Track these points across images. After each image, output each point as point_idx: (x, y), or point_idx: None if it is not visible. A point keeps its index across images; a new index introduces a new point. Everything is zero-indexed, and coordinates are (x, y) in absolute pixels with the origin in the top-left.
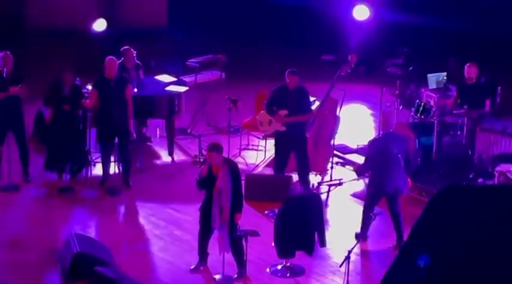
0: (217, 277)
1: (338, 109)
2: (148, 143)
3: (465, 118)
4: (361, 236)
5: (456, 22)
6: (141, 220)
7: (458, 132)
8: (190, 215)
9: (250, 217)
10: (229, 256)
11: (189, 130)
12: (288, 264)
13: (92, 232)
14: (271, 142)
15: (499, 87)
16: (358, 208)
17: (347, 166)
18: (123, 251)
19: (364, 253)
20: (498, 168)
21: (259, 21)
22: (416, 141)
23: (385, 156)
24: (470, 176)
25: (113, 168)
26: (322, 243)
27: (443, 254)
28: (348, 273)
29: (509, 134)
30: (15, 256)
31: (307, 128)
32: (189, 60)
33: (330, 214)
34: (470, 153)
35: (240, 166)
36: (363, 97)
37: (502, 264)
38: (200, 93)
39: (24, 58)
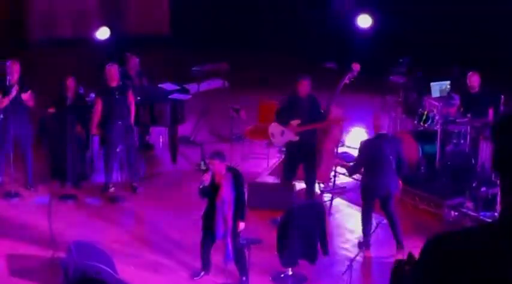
0: None
1: (341, 117)
2: (151, 151)
3: (468, 127)
4: (363, 245)
5: (459, 30)
6: (144, 228)
7: (462, 141)
8: (193, 223)
9: (253, 226)
10: (231, 265)
11: (191, 139)
12: (291, 273)
13: (94, 240)
14: (273, 151)
15: (502, 96)
16: (360, 216)
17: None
18: (125, 259)
19: (366, 262)
20: None
21: (261, 29)
22: (420, 149)
23: (377, 157)
24: (473, 185)
25: (116, 176)
26: (325, 252)
27: None
28: (350, 282)
29: None
30: (17, 264)
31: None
32: (192, 68)
33: (333, 222)
34: (473, 161)
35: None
36: (365, 105)
37: None
38: (203, 101)
39: (27, 67)
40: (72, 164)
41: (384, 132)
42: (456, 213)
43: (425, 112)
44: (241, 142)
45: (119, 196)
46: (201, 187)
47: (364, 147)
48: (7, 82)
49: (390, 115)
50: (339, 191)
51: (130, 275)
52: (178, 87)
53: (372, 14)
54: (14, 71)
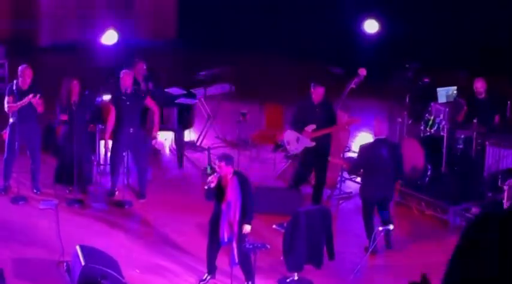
0: None
1: (348, 122)
2: (157, 155)
3: (475, 133)
4: (370, 250)
5: (466, 36)
6: (150, 232)
7: (468, 146)
8: (199, 227)
9: (259, 230)
10: (237, 269)
11: (198, 143)
12: (297, 277)
13: (100, 245)
14: (280, 155)
15: (509, 102)
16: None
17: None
18: (131, 264)
19: (372, 267)
20: (507, 182)
21: (268, 34)
22: (426, 155)
23: (375, 161)
24: (479, 190)
25: (122, 181)
26: (331, 256)
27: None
28: None
29: None
30: (23, 267)
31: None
32: (199, 73)
33: (339, 227)
34: (479, 167)
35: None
36: (372, 110)
37: None
38: (209, 105)
39: (36, 73)
40: (79, 168)
41: (384, 136)
42: (462, 218)
43: (432, 118)
44: (247, 146)
45: (125, 200)
46: (206, 188)
47: (363, 151)
48: (14, 87)
49: (396, 120)
50: (345, 196)
51: (136, 279)
52: (185, 92)
53: (378, 19)
54: (26, 75)
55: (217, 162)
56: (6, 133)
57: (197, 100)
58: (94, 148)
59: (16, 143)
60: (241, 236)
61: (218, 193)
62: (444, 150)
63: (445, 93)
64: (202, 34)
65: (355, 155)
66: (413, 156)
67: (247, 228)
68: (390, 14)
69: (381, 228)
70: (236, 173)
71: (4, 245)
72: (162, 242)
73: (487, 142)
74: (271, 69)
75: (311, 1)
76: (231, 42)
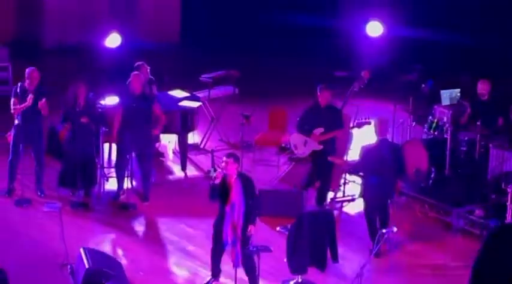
0: None
1: (351, 125)
2: (161, 158)
3: (478, 135)
4: (374, 253)
5: (470, 38)
6: (154, 235)
7: (471, 149)
8: (203, 230)
9: (262, 233)
10: (241, 272)
11: (201, 146)
12: (300, 280)
13: (104, 247)
14: (284, 158)
15: None
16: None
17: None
18: (135, 267)
19: (376, 269)
20: (511, 185)
21: (272, 37)
22: (429, 157)
23: (378, 162)
24: (483, 192)
25: (127, 183)
26: (335, 259)
27: None
28: None
29: None
30: (28, 271)
31: None
32: (202, 76)
33: (343, 229)
34: (483, 169)
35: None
36: (375, 113)
37: None
38: (213, 108)
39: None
40: (83, 171)
41: (385, 137)
42: (466, 221)
43: (435, 120)
44: (251, 149)
45: (130, 203)
46: (211, 184)
47: (365, 151)
48: (18, 89)
49: (400, 123)
50: (349, 198)
51: (140, 282)
52: (188, 95)
53: (382, 22)
54: (33, 77)
55: (225, 158)
56: (10, 135)
57: (200, 103)
58: (98, 151)
59: (20, 145)
60: (245, 239)
61: (222, 194)
62: (448, 153)
63: (449, 95)
64: (205, 37)
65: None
66: (417, 158)
67: (251, 230)
68: (394, 16)
69: (384, 230)
70: (240, 175)
71: (8, 247)
72: (165, 245)
73: (490, 145)
74: (275, 71)
75: (315, 3)
76: (234, 45)
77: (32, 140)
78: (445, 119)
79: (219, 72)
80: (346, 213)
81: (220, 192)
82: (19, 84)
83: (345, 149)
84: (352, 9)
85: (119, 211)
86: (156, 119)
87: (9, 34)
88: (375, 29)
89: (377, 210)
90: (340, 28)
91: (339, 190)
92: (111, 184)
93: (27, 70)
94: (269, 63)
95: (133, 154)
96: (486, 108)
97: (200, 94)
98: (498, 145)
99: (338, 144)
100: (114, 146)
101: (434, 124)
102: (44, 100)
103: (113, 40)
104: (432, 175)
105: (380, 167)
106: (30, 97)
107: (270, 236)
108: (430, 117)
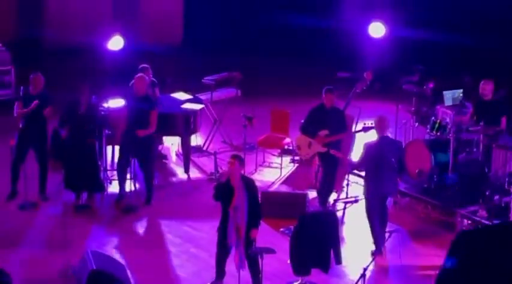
0: None
1: (353, 126)
2: (164, 161)
3: (481, 135)
4: (376, 252)
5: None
6: (157, 238)
7: (474, 149)
8: (206, 232)
9: (265, 235)
10: (244, 274)
11: (204, 148)
12: (304, 282)
13: (108, 250)
14: (286, 160)
15: None
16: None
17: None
18: (139, 269)
19: (379, 270)
20: None
21: (274, 38)
22: (432, 158)
23: (378, 159)
24: (487, 193)
25: (129, 186)
26: (338, 260)
27: None
28: None
29: None
30: (32, 273)
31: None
32: (205, 78)
33: (346, 231)
34: (486, 170)
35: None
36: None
37: None
38: (216, 110)
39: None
40: (86, 174)
41: (387, 135)
42: (469, 222)
43: (438, 121)
44: (254, 151)
45: (133, 206)
46: (216, 183)
47: (367, 148)
48: (21, 92)
49: (403, 124)
50: (352, 199)
51: None
52: (191, 97)
53: (384, 23)
54: (36, 83)
55: (230, 159)
56: (14, 140)
57: (203, 106)
58: (101, 154)
59: (24, 148)
60: (249, 241)
61: (225, 198)
62: (450, 153)
63: (451, 96)
64: (208, 39)
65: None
66: (420, 159)
67: (254, 233)
68: (396, 17)
69: (387, 232)
70: (243, 178)
71: (12, 250)
72: (169, 247)
73: (493, 145)
74: (278, 73)
75: (317, 5)
76: (236, 47)
77: (36, 144)
78: (447, 119)
79: (221, 74)
80: (349, 214)
81: (224, 195)
82: (22, 88)
83: (348, 150)
84: (354, 10)
85: (122, 213)
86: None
87: (11, 36)
88: (377, 30)
89: (377, 207)
90: (343, 29)
91: (342, 191)
92: (114, 187)
93: (31, 75)
94: (271, 64)
95: (136, 157)
96: (489, 108)
97: (203, 97)
98: (501, 146)
99: (341, 144)
100: (117, 148)
101: (437, 125)
102: (49, 108)
103: (116, 42)
104: (435, 176)
105: (380, 164)
106: (34, 103)
107: (273, 238)
108: (433, 118)
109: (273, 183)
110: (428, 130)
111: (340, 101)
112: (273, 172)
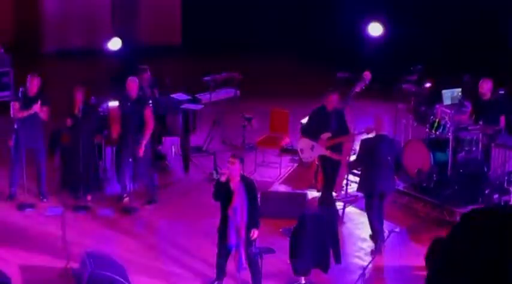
0: None
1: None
2: (163, 161)
3: (480, 134)
4: (376, 250)
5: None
6: (157, 238)
7: (474, 148)
8: (206, 232)
9: (265, 235)
10: (244, 274)
11: (204, 148)
12: (304, 282)
13: (107, 250)
14: (285, 159)
15: None
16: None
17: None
18: (138, 269)
19: (379, 270)
20: None
21: (274, 38)
22: (431, 157)
23: (374, 157)
24: (486, 192)
25: (129, 186)
26: (337, 260)
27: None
28: None
29: None
30: (31, 274)
31: None
32: (204, 78)
33: (345, 230)
34: (485, 169)
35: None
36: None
37: None
38: (215, 110)
39: (41, 79)
40: (85, 175)
41: (384, 133)
42: None
43: (437, 120)
44: (253, 151)
45: (132, 206)
46: (216, 182)
47: (364, 145)
48: (20, 94)
49: (402, 123)
50: (351, 199)
51: None
52: (190, 97)
53: (383, 22)
54: (33, 84)
55: (230, 158)
56: (11, 140)
57: (202, 106)
58: (100, 155)
59: (22, 150)
60: (249, 241)
61: (225, 197)
62: (450, 152)
63: (450, 95)
64: (207, 39)
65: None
66: (419, 158)
67: (254, 233)
68: (394, 17)
69: (387, 231)
70: (242, 178)
71: (11, 252)
72: (168, 247)
73: (492, 144)
74: (276, 73)
75: (315, 5)
76: (235, 48)
77: (33, 144)
78: (446, 119)
79: (220, 74)
80: (348, 214)
81: (223, 195)
82: (21, 89)
83: (348, 151)
84: (353, 10)
85: (121, 214)
86: (145, 123)
87: (9, 39)
88: (376, 29)
89: (374, 205)
90: (342, 29)
91: (342, 191)
92: (114, 187)
93: (28, 76)
94: (270, 65)
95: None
96: (488, 107)
97: (202, 97)
98: (500, 145)
99: (342, 146)
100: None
101: (436, 124)
102: (45, 108)
103: (114, 43)
104: (434, 176)
105: (376, 161)
106: (35, 107)
107: (273, 238)
108: (432, 117)
109: (273, 182)
110: (427, 130)
111: (340, 101)
112: (272, 172)
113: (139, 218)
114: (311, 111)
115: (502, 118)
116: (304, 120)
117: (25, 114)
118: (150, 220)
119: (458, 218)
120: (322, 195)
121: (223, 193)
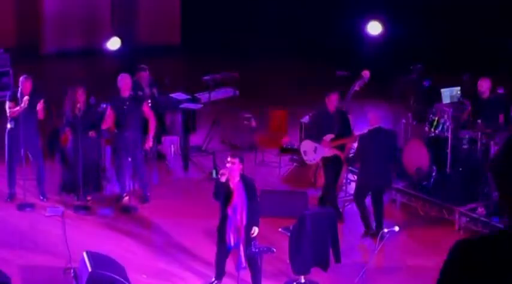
0: None
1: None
2: (163, 160)
3: (479, 133)
4: (367, 231)
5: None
6: (156, 238)
7: (473, 147)
8: (205, 232)
9: (265, 234)
10: (244, 273)
11: (203, 147)
12: (303, 280)
13: (107, 250)
14: (285, 159)
15: None
16: (372, 224)
17: None
18: (138, 269)
19: (378, 269)
20: None
21: (273, 38)
22: (431, 155)
23: (372, 150)
24: (485, 190)
25: (128, 185)
26: (337, 259)
27: None
28: None
29: None
30: (30, 274)
31: None
32: (203, 78)
33: (345, 229)
34: (484, 167)
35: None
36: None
37: None
38: (214, 110)
39: (39, 78)
40: (85, 175)
41: (377, 125)
42: (468, 219)
43: (436, 119)
44: (252, 150)
45: (132, 206)
46: (216, 182)
47: (361, 140)
48: (19, 94)
49: (401, 122)
50: (351, 198)
51: None
52: (189, 97)
53: (382, 21)
54: (26, 86)
55: (230, 158)
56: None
57: (202, 105)
58: (100, 154)
59: (20, 150)
60: (248, 240)
61: (224, 197)
62: (449, 151)
63: (449, 93)
64: (206, 39)
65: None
66: (418, 157)
67: (255, 232)
68: (394, 15)
69: (386, 230)
70: (242, 177)
71: (11, 252)
72: (168, 247)
73: (491, 142)
74: (276, 73)
75: (315, 3)
76: (234, 47)
77: (29, 144)
78: (445, 117)
79: (220, 74)
80: (348, 213)
81: (223, 195)
82: (13, 90)
83: (349, 149)
84: (352, 8)
85: (121, 213)
86: (147, 119)
87: (9, 39)
88: (375, 28)
89: (366, 196)
90: (341, 28)
91: (341, 189)
92: (113, 187)
93: (20, 78)
94: (270, 64)
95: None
96: (487, 106)
97: (201, 96)
98: (499, 143)
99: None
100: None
101: (435, 123)
102: (41, 101)
103: (114, 43)
104: (433, 174)
105: (375, 154)
106: (25, 99)
107: (273, 237)
108: (431, 116)
109: (272, 182)
110: (426, 128)
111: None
112: (272, 171)
113: (138, 218)
114: (313, 114)
115: (501, 116)
116: (304, 120)
117: (20, 109)
118: (150, 219)
119: (456, 216)
120: (323, 195)
121: (223, 192)
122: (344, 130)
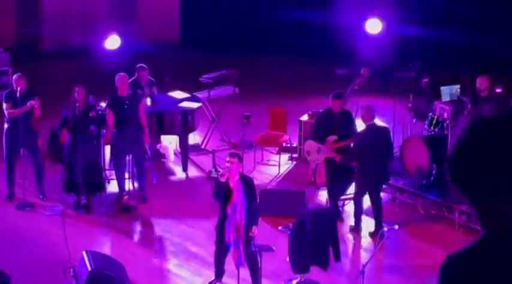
0: None
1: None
2: (162, 159)
3: None
4: (355, 228)
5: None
6: (156, 237)
7: None
8: (205, 231)
9: (264, 233)
10: (243, 272)
11: (202, 146)
12: (303, 279)
13: (107, 250)
14: (284, 157)
15: None
16: (372, 222)
17: None
18: (138, 269)
19: (378, 268)
20: None
21: (272, 35)
22: (430, 154)
23: (367, 148)
24: None
25: (128, 185)
26: (337, 258)
27: None
28: None
29: None
30: (31, 274)
31: None
32: (202, 76)
33: (345, 228)
34: None
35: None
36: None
37: None
38: (213, 108)
39: (40, 78)
40: (85, 175)
41: (371, 122)
42: (467, 217)
43: (436, 117)
44: (252, 149)
45: (131, 205)
46: (215, 182)
47: (357, 138)
48: (17, 94)
49: (400, 119)
50: (351, 197)
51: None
52: (188, 95)
53: (381, 19)
54: (19, 84)
55: (229, 158)
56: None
57: (201, 104)
58: (99, 154)
59: (19, 149)
60: (248, 239)
61: (224, 196)
62: (449, 149)
63: (449, 91)
64: (205, 37)
65: None
66: (418, 155)
67: (254, 230)
68: (393, 13)
69: (386, 228)
70: (241, 176)
71: (11, 251)
72: (168, 246)
73: None
74: (275, 71)
75: (315, 2)
76: (234, 45)
77: (27, 143)
78: (445, 115)
79: (219, 72)
80: (347, 211)
81: (222, 194)
82: (10, 90)
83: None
84: (351, 6)
85: (120, 213)
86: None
87: (9, 38)
88: (374, 26)
89: (369, 195)
90: (340, 25)
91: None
92: (113, 187)
93: (14, 76)
94: (269, 62)
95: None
96: (486, 104)
97: (200, 95)
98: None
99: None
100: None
101: (434, 121)
102: (36, 98)
103: (113, 42)
104: (433, 172)
105: (370, 151)
106: (30, 103)
107: (272, 235)
108: (431, 114)
109: (272, 180)
110: (426, 126)
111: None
112: (272, 170)
113: (138, 217)
114: (317, 115)
115: None
116: (304, 118)
117: (21, 111)
118: (149, 219)
119: (456, 214)
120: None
121: (222, 192)
122: (348, 132)
